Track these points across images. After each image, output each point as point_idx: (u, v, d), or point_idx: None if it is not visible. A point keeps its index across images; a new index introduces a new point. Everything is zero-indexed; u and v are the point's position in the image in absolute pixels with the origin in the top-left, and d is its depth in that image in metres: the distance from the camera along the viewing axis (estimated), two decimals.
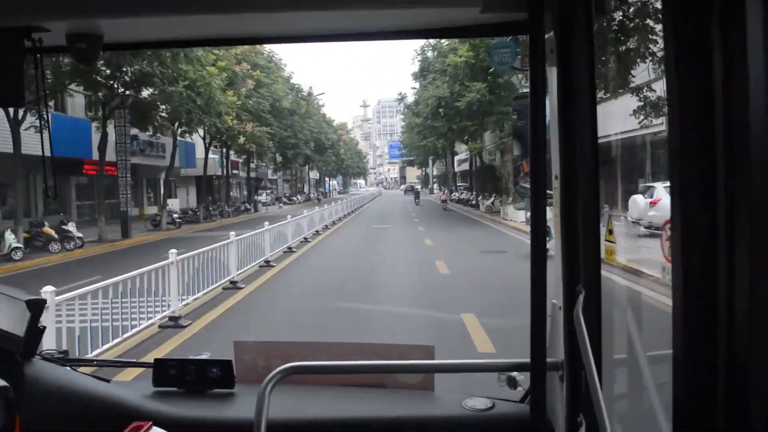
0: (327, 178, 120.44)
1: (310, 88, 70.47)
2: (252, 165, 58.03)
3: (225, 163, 48.17)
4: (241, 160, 55.11)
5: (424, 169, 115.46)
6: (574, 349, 1.74)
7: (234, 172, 55.20)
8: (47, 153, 2.03)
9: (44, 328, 2.15)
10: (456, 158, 68.30)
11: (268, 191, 70.30)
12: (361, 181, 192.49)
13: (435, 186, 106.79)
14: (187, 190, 51.25)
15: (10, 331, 2.02)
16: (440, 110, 43.06)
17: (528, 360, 1.93)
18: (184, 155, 42.84)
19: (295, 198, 77.42)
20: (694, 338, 1.06)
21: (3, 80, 1.87)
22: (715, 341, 1.03)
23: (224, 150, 45.67)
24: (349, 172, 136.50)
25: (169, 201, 38.09)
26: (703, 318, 1.05)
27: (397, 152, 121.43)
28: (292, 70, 76.18)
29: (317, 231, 28.08)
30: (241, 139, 42.25)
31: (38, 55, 1.92)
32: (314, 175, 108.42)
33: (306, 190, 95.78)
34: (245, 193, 63.35)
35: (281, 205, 66.14)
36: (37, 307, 2.06)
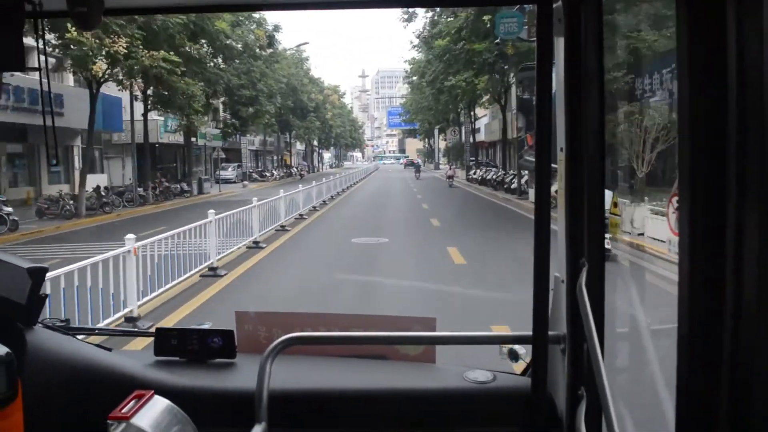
0: (320, 151, 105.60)
1: (276, 27, 42.18)
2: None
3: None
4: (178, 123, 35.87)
5: (428, 141, 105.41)
6: (577, 322, 1.74)
7: (195, 141, 41.01)
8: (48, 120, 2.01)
9: (46, 296, 2.15)
10: (480, 124, 54.97)
11: (236, 165, 54.74)
12: (357, 154, 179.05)
13: (442, 161, 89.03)
14: (123, 163, 38.17)
15: (12, 299, 2.02)
16: (458, 50, 30.89)
17: (530, 333, 1.92)
18: (104, 114, 29.98)
19: (269, 174, 60.13)
20: (699, 312, 1.05)
21: (3, 44, 1.84)
22: (720, 316, 1.02)
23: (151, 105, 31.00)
24: (340, 143, 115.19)
25: (92, 177, 28.13)
26: (708, 292, 1.03)
27: (397, 119, 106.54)
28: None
29: (255, 245, 15.45)
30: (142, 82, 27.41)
31: (38, 20, 1.89)
32: (302, 146, 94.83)
33: (293, 163, 78.77)
34: (203, 167, 49.52)
35: (246, 183, 49.45)
36: (38, 274, 2.06)
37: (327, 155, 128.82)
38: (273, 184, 45.16)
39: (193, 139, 39.73)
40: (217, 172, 46.15)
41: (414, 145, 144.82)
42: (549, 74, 1.76)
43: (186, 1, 2.34)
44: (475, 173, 45.06)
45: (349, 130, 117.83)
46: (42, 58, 1.97)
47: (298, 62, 65.98)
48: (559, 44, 1.78)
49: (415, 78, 53.68)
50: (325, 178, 33.70)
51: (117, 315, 8.06)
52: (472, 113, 51.85)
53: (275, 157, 75.93)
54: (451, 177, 45.68)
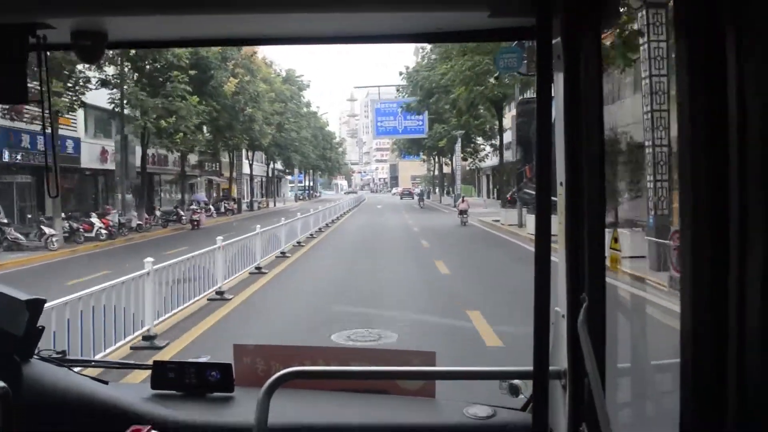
0: (275, 173, 73.97)
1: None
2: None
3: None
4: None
5: (435, 161, 73.17)
6: (578, 357, 1.72)
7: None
8: (50, 150, 2.02)
9: (43, 328, 2.14)
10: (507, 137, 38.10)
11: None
12: (343, 182, 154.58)
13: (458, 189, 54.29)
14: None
15: (9, 330, 2.00)
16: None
17: (530, 368, 1.91)
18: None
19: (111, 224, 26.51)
20: (703, 348, 1.05)
21: (7, 77, 1.86)
22: (724, 351, 1.01)
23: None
24: (307, 165, 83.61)
25: None
26: (712, 328, 1.03)
27: (389, 123, 62.22)
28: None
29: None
30: None
31: (42, 53, 1.91)
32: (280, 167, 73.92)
33: (238, 191, 56.70)
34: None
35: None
36: (36, 306, 2.05)
37: (309, 183, 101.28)
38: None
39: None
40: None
41: (410, 170, 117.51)
42: (548, 109, 1.78)
43: (186, 35, 2.36)
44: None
45: (325, 150, 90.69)
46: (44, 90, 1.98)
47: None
48: (559, 79, 1.80)
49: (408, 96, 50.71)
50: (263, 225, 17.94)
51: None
52: (496, 123, 38.30)
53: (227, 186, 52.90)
54: (464, 212, 34.30)
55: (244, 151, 54.90)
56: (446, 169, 69.29)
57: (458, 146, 52.33)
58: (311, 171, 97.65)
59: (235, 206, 48.91)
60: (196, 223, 33.17)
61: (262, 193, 70.12)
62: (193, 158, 44.84)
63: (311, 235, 27.08)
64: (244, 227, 23.30)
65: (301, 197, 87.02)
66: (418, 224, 34.87)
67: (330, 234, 29.99)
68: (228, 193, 53.30)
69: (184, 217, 34.76)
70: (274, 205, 64.06)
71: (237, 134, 42.45)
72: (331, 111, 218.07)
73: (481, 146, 51.88)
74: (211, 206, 43.56)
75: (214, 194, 53.95)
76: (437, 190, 77.33)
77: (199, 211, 35.61)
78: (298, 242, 23.41)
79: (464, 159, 55.52)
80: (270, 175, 72.09)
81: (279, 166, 74.89)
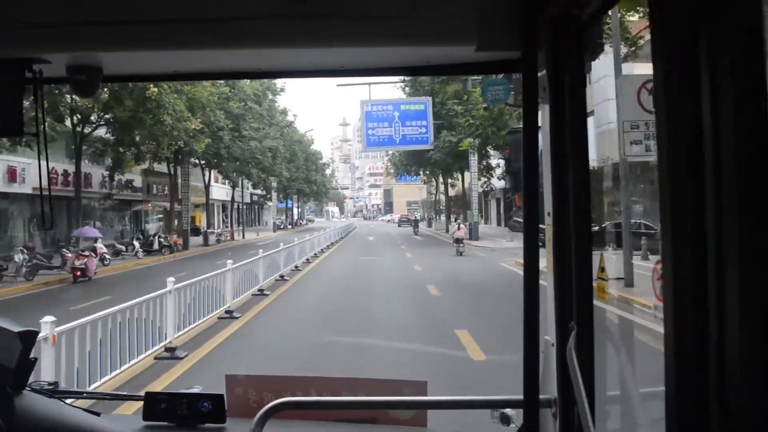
0: (270, 201, 71.60)
1: None
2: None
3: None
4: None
5: (439, 181, 61.03)
6: (567, 385, 1.74)
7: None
8: (44, 183, 2.04)
9: (35, 360, 2.14)
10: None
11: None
12: (334, 209, 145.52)
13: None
14: None
15: (1, 363, 2.00)
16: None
17: (521, 397, 1.92)
18: None
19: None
20: (686, 376, 1.07)
21: (3, 110, 1.88)
22: (707, 379, 1.03)
23: None
24: (288, 188, 72.79)
25: None
26: (695, 355, 1.05)
27: (383, 132, 37.53)
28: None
29: None
30: None
31: (38, 86, 1.94)
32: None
33: (219, 222, 52.24)
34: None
35: None
36: (28, 338, 2.05)
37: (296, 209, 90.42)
38: None
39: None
40: None
41: (406, 195, 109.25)
42: (535, 140, 1.82)
43: (181, 69, 2.40)
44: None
45: (307, 168, 77.68)
46: (40, 124, 2.00)
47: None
48: (545, 110, 1.84)
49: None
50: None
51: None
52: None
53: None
54: (459, 240, 30.55)
55: (209, 172, 44.24)
56: (451, 192, 58.64)
57: (474, 159, 41.28)
58: (294, 196, 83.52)
59: (180, 241, 35.84)
60: (79, 272, 21.52)
61: (239, 221, 59.41)
62: (138, 179, 37.77)
63: (260, 292, 16.82)
64: (161, 275, 13.44)
65: (281, 226, 71.35)
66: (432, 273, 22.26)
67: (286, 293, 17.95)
68: (190, 224, 41.31)
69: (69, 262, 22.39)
70: (242, 237, 50.46)
71: (151, 132, 28.24)
72: (323, 137, 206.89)
73: (496, 163, 42.60)
74: (135, 242, 32.66)
75: (166, 224, 41.70)
76: (441, 216, 63.91)
77: (86, 254, 22.43)
78: (229, 312, 13.38)
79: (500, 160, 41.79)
80: (250, 201, 64.82)
81: (255, 190, 65.01)
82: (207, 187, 44.72)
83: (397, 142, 38.25)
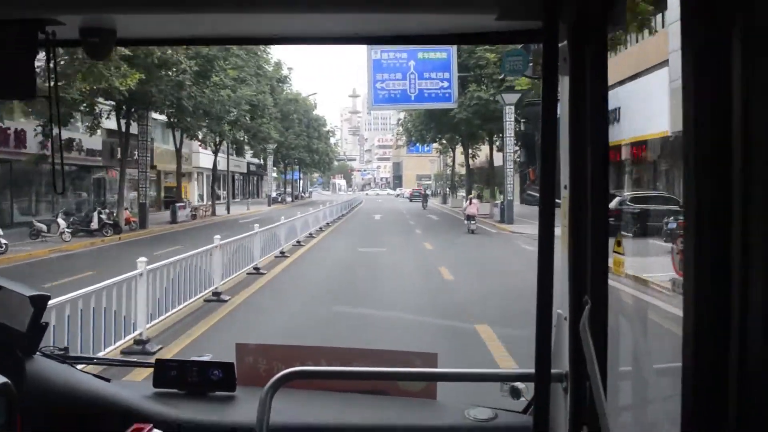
0: (247, 170, 63.09)
1: None
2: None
3: None
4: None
5: (452, 151, 55.49)
6: (579, 360, 1.72)
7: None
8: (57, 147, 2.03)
9: (46, 324, 2.14)
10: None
11: None
12: (341, 182, 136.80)
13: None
14: None
15: (13, 326, 2.01)
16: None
17: (532, 370, 1.91)
18: None
19: None
20: (704, 352, 1.05)
21: (16, 72, 1.87)
22: (726, 355, 1.01)
23: None
24: (286, 157, 66.45)
25: None
26: (714, 331, 1.03)
27: (395, 87, 29.89)
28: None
29: None
30: None
31: (51, 48, 1.92)
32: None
33: (209, 194, 44.74)
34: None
35: None
36: (40, 302, 2.05)
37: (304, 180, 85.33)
38: None
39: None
40: None
41: (416, 168, 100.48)
42: (554, 113, 1.78)
43: (195, 33, 2.37)
44: None
45: (308, 135, 68.07)
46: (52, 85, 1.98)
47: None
48: (564, 82, 1.80)
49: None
50: None
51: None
52: None
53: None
54: (471, 217, 26.85)
55: (180, 133, 36.53)
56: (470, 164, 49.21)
57: (511, 114, 31.67)
58: (294, 165, 74.25)
59: (134, 219, 28.97)
60: None
61: (232, 193, 51.98)
62: (92, 141, 30.32)
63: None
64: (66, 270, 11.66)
65: (279, 200, 62.09)
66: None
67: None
68: (176, 195, 36.34)
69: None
70: (228, 212, 42.69)
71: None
72: (332, 109, 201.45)
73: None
74: (59, 220, 23.37)
75: (119, 197, 30.05)
76: (459, 192, 55.61)
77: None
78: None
79: (499, 149, 36.29)
80: (246, 171, 59.45)
81: (254, 159, 58.52)
82: (178, 150, 37.55)
83: (412, 99, 30.63)
